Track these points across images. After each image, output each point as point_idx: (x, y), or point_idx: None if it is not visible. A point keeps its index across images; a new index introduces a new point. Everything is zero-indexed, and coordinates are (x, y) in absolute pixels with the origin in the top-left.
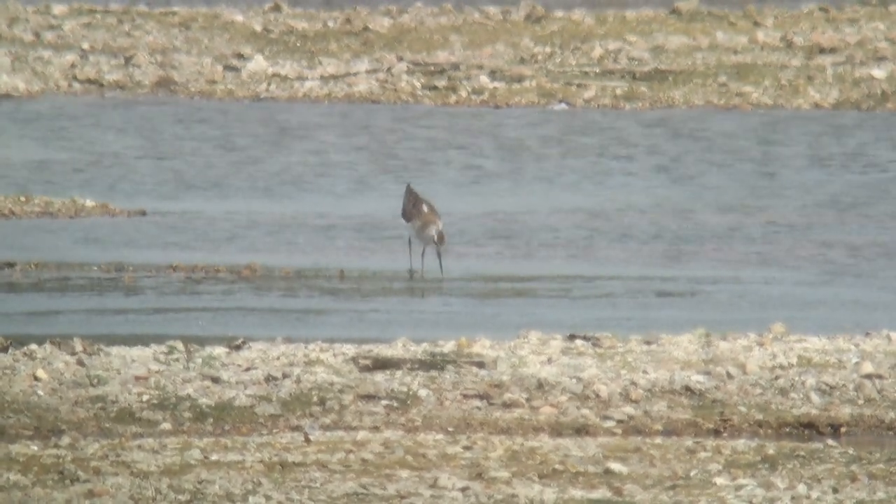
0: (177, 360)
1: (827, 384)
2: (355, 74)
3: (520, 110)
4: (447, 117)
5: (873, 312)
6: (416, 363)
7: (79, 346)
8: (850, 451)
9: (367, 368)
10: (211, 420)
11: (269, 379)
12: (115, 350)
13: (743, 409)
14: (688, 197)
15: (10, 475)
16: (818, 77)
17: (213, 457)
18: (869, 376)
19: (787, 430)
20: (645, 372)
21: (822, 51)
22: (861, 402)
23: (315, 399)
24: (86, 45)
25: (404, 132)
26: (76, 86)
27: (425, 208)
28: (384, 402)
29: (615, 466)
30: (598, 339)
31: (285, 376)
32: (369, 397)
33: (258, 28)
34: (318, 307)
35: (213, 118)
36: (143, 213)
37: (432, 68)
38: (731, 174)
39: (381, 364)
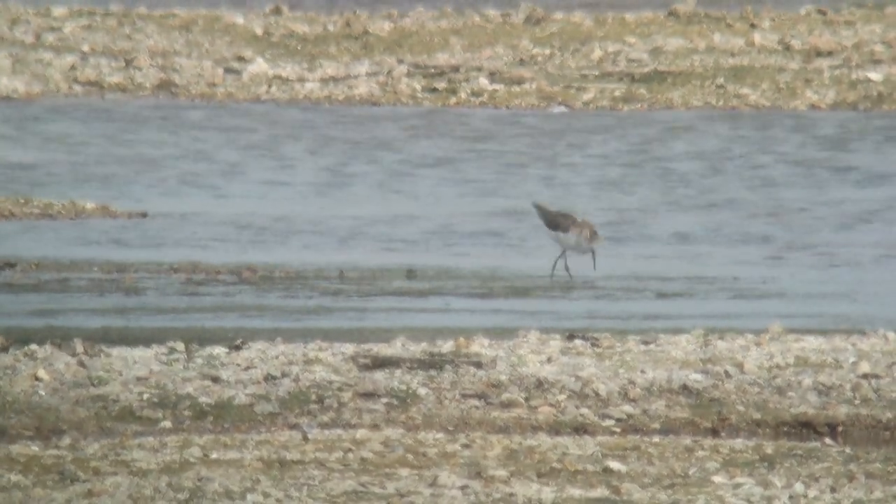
0: (177, 360)
1: (824, 384)
2: (356, 77)
3: (519, 112)
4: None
5: (871, 312)
6: (415, 362)
7: (79, 348)
8: (848, 450)
9: (366, 367)
10: (211, 418)
11: (269, 378)
12: (115, 351)
13: (741, 408)
14: (684, 196)
15: (11, 475)
16: (815, 80)
17: (213, 455)
18: (866, 376)
19: (785, 429)
20: (643, 371)
21: (819, 54)
22: (858, 401)
23: (314, 397)
24: (86, 48)
25: (404, 133)
26: (76, 88)
27: (578, 218)
28: (384, 401)
29: (614, 465)
30: (596, 338)
31: (284, 375)
32: (369, 395)
33: (259, 31)
34: (317, 307)
35: (214, 120)
36: (144, 215)
37: (432, 70)
38: (729, 172)
39: (381, 363)
